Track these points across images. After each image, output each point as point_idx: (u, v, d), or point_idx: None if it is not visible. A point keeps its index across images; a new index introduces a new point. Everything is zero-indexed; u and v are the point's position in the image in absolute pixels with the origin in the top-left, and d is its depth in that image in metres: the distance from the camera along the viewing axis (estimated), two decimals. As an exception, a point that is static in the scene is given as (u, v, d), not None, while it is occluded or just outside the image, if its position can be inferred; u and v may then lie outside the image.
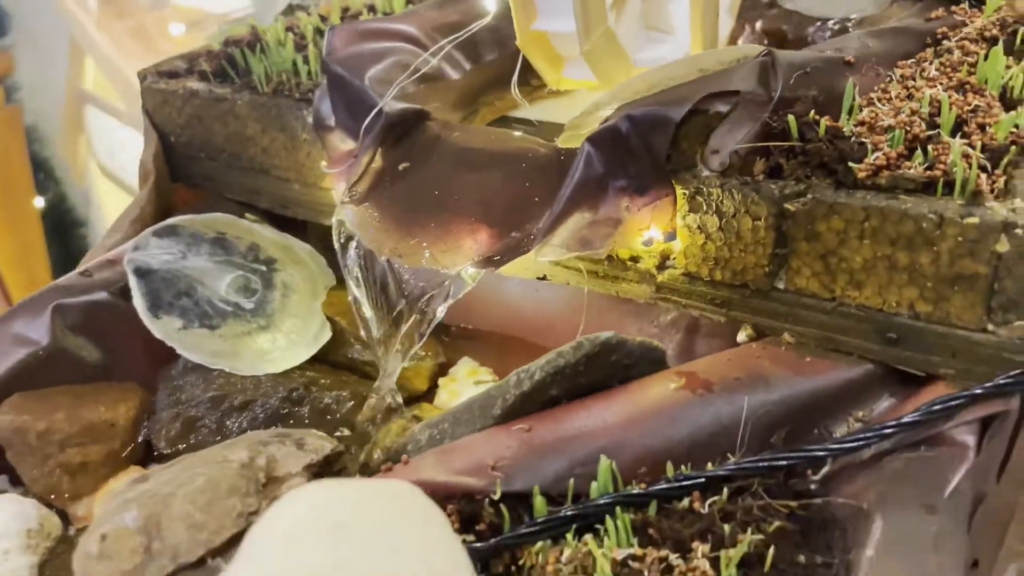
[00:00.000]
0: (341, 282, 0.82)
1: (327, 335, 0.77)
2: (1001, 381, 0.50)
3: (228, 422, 0.68)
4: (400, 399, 0.69)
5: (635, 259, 0.62)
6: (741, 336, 0.60)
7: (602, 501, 0.48)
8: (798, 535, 0.48)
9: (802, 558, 0.48)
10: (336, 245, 0.69)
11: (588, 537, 0.47)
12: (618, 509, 0.48)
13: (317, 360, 0.76)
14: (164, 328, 0.71)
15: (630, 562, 0.46)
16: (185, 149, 0.86)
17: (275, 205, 0.83)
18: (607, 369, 0.56)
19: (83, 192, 2.95)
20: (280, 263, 0.80)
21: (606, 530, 0.48)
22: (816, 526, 0.50)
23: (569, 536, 0.48)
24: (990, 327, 0.51)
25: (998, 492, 0.52)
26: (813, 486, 0.52)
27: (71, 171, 2.91)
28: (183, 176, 0.88)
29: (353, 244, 0.68)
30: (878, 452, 0.52)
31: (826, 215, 0.53)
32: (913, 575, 0.44)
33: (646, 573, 0.45)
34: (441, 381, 0.76)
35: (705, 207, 0.57)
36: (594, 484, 0.50)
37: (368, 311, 0.69)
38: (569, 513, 0.48)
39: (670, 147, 0.58)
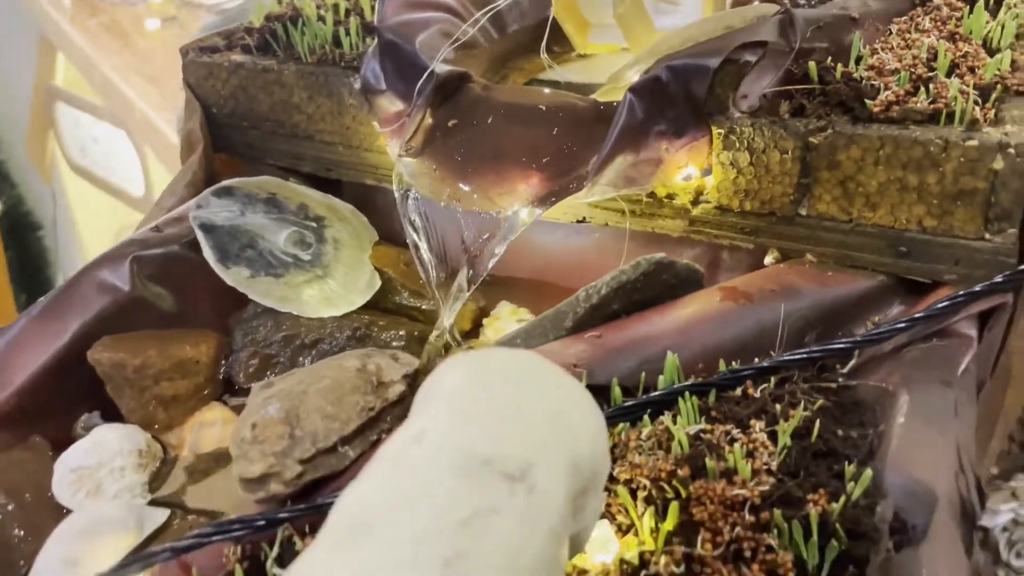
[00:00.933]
0: (382, 239, 0.89)
1: (377, 283, 0.83)
2: (998, 280, 0.59)
3: (300, 358, 0.75)
4: (458, 335, 0.76)
5: (671, 196, 0.70)
6: (768, 259, 0.68)
7: (675, 388, 0.56)
8: (837, 412, 0.57)
9: (840, 432, 0.56)
10: (396, 195, 0.75)
11: (663, 417, 0.55)
12: (686, 394, 0.56)
13: (369, 307, 0.82)
14: (234, 277, 0.77)
15: (701, 435, 0.54)
16: (228, 120, 0.92)
17: (319, 169, 0.89)
18: (658, 288, 0.64)
19: (49, 191, 2.93)
20: (328, 220, 0.86)
21: (677, 412, 0.56)
22: (849, 407, 0.58)
23: (645, 418, 0.56)
24: (987, 236, 0.60)
25: (989, 391, 0.61)
26: (841, 378, 0.61)
27: (38, 170, 2.89)
28: (224, 146, 0.94)
29: (412, 193, 0.75)
30: (897, 345, 0.60)
31: (845, 145, 0.62)
32: (940, 434, 0.53)
33: (716, 443, 0.53)
34: (485, 321, 0.83)
35: (737, 144, 0.66)
36: (661, 377, 0.58)
37: (427, 255, 0.76)
38: (649, 398, 0.56)
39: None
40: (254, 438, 0.50)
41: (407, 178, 0.75)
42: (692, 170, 0.68)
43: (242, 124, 0.91)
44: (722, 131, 0.66)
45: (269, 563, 0.50)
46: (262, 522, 0.50)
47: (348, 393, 0.53)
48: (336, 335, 0.76)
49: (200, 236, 0.78)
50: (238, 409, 0.72)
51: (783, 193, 0.66)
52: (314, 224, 0.85)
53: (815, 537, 0.48)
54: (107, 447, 0.63)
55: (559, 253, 0.86)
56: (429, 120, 0.76)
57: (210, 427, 0.70)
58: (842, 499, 0.49)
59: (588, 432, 0.40)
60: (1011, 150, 0.57)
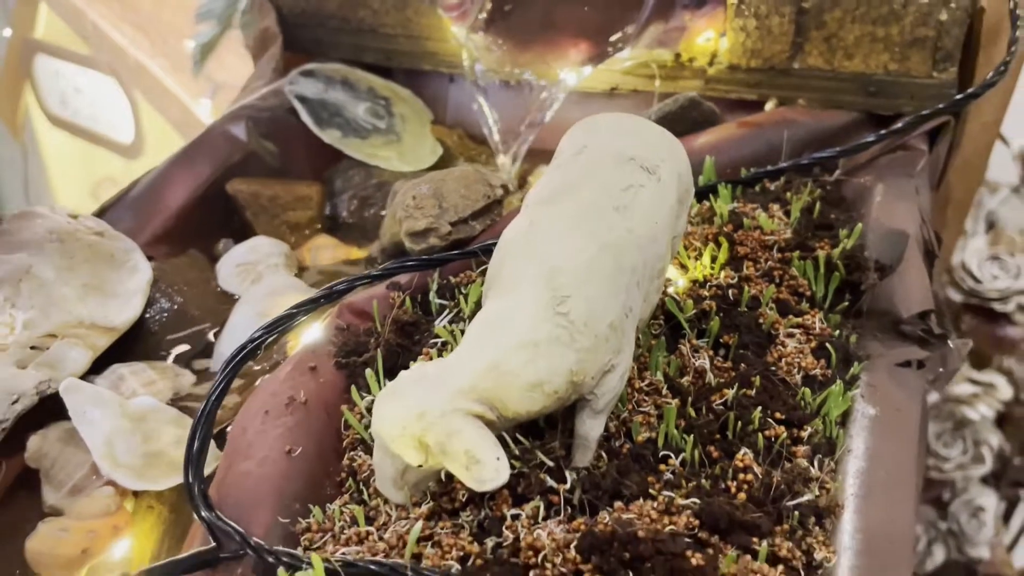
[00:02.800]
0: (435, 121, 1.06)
1: (439, 151, 1.00)
2: (940, 107, 0.80)
3: (388, 201, 0.91)
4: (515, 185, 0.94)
5: (691, 59, 0.89)
6: (769, 106, 0.88)
7: (713, 182, 0.75)
8: (830, 199, 0.76)
9: (833, 216, 0.76)
10: (466, 65, 0.92)
11: (707, 201, 0.74)
12: (719, 186, 0.75)
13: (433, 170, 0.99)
14: (330, 136, 0.93)
15: (736, 209, 0.73)
16: (296, 19, 1.07)
17: (380, 59, 1.05)
18: (688, 123, 0.83)
19: (19, 147, 2.97)
20: (392, 100, 1.02)
21: (715, 198, 0.74)
22: (837, 200, 0.78)
23: (693, 200, 0.74)
24: (935, 74, 0.81)
25: (949, 185, 0.82)
26: (829, 187, 0.80)
27: (8, 127, 2.92)
28: (290, 43, 1.08)
29: (478, 65, 0.92)
30: (870, 156, 0.80)
31: (830, 8, 0.81)
32: (907, 203, 0.73)
33: (747, 213, 0.72)
34: (530, 179, 1.01)
35: (746, 12, 0.85)
36: (700, 176, 0.77)
37: (491, 116, 0.93)
38: (697, 188, 0.74)
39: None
40: (416, 205, 0.67)
41: (475, 52, 0.91)
42: (710, 34, 0.86)
43: (310, 23, 1.06)
44: (734, 1, 0.85)
45: (432, 295, 0.66)
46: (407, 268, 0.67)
47: (474, 182, 0.70)
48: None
49: (297, 105, 0.94)
50: (341, 238, 0.88)
51: (781, 51, 0.85)
52: (382, 102, 1.01)
53: (822, 271, 0.67)
54: (262, 249, 0.78)
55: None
56: (489, 3, 0.93)
57: (323, 249, 0.86)
58: (840, 246, 0.69)
59: (685, 159, 0.58)
60: (952, 4, 0.78)
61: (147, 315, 0.72)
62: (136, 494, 0.59)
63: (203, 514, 0.51)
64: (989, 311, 1.53)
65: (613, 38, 0.87)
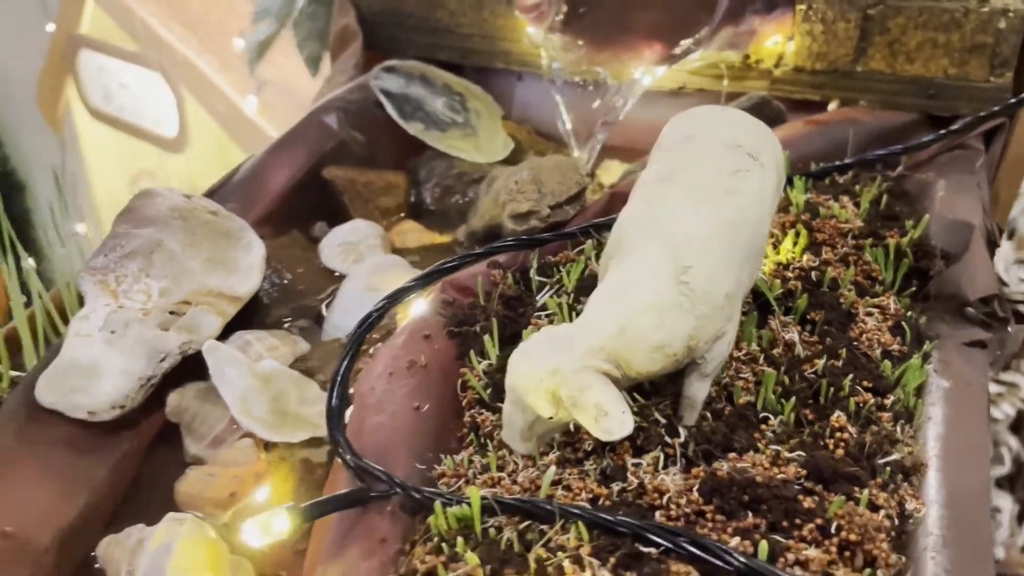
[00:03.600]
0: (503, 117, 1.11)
1: (511, 144, 1.05)
2: (996, 109, 0.85)
3: (469, 189, 0.96)
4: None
5: (758, 61, 0.94)
6: (832, 106, 0.93)
7: (787, 175, 0.80)
8: (896, 192, 0.82)
9: (898, 208, 0.81)
10: (544, 64, 0.98)
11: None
12: (795, 178, 0.80)
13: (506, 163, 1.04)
14: (414, 128, 0.98)
15: (810, 199, 0.78)
16: (375, 18, 1.13)
17: (455, 57, 1.10)
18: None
19: (58, 140, 3.03)
20: (466, 96, 1.08)
21: (791, 189, 0.80)
22: (901, 194, 0.83)
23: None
24: (991, 79, 0.86)
25: (997, 184, 0.87)
26: (892, 182, 0.86)
27: (49, 120, 2.99)
28: (369, 41, 1.14)
29: (555, 64, 0.98)
30: (929, 155, 0.86)
31: (893, 15, 0.87)
32: (969, 196, 0.78)
33: (821, 203, 0.77)
34: (598, 172, 1.06)
35: (814, 17, 0.90)
36: (775, 170, 0.82)
37: (565, 113, 0.99)
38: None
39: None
40: (518, 189, 0.72)
41: (552, 52, 0.97)
42: (778, 38, 0.92)
43: (389, 22, 1.12)
44: (803, 7, 0.90)
45: (532, 272, 0.72)
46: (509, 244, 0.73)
47: (568, 171, 0.76)
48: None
49: (382, 98, 0.99)
50: (425, 224, 0.94)
51: (845, 54, 0.90)
52: (457, 97, 1.07)
53: (892, 257, 0.73)
54: (361, 231, 0.84)
55: (649, 122, 1.09)
56: (566, 6, 0.98)
57: (409, 233, 0.91)
58: (908, 235, 0.74)
59: (779, 148, 0.64)
60: (1010, 14, 0.83)
61: (259, 289, 0.78)
62: (268, 448, 0.65)
63: (349, 459, 0.56)
64: (1016, 313, 1.58)
65: (686, 40, 0.92)
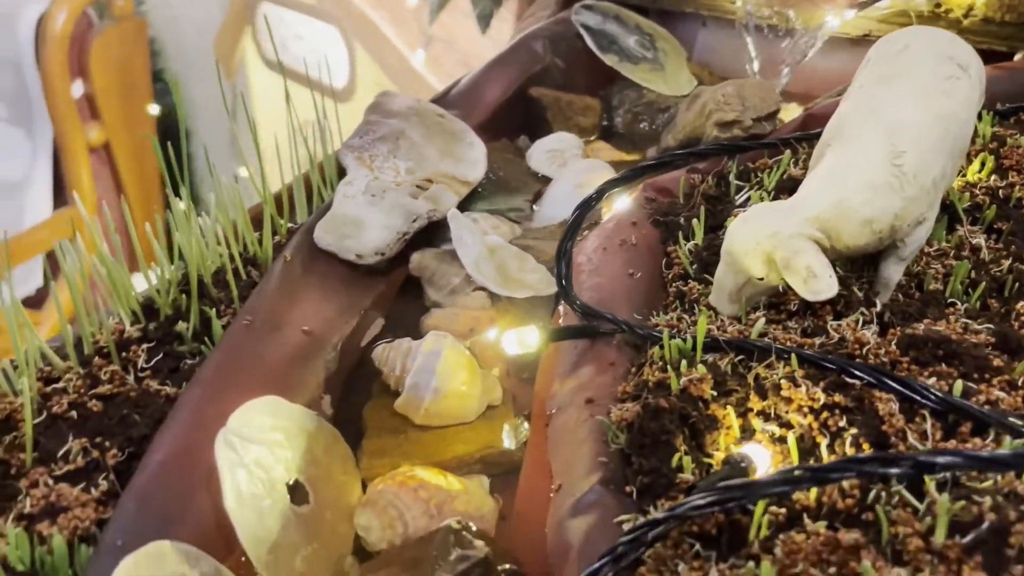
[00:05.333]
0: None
1: (695, 82, 1.13)
2: None
3: (655, 118, 1.05)
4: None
5: (948, 11, 0.99)
6: (1017, 57, 0.97)
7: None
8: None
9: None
10: (738, 5, 1.05)
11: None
12: (983, 112, 0.85)
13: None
14: (610, 60, 1.07)
15: (997, 132, 0.83)
16: (571, -38, 1.22)
17: (646, 1, 1.19)
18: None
19: (230, 88, 3.26)
20: (655, 37, 1.16)
21: (978, 122, 0.84)
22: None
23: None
24: None
25: None
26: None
27: (224, 68, 3.22)
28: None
29: (748, 6, 1.05)
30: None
31: (1093, -33, 0.90)
32: None
33: (1009, 135, 0.82)
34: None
35: (1010, -32, 0.94)
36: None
37: (754, 52, 1.06)
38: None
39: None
40: (724, 101, 0.80)
41: (745, -6, 1.04)
42: (971, -13, 0.96)
43: (584, -34, 1.21)
44: (999, -42, 0.94)
45: (732, 176, 0.80)
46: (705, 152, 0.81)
47: (767, 91, 0.83)
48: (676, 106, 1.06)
49: (583, 31, 1.09)
50: (614, 145, 1.03)
51: (1037, 6, 0.94)
52: (647, 37, 1.15)
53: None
54: (567, 141, 0.94)
55: (835, 72, 1.15)
56: (762, -46, 1.05)
57: (601, 151, 1.00)
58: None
59: (982, 65, 0.69)
60: None
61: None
62: (494, 303, 0.75)
63: (578, 304, 0.66)
64: None
65: (877, -13, 0.97)
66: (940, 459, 0.43)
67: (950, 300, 0.65)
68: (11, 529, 0.48)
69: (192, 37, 3.17)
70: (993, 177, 0.77)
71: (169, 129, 3.17)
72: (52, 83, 2.72)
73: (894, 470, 0.44)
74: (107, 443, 0.55)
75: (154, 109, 3.00)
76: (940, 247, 0.69)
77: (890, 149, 0.60)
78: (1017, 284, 0.65)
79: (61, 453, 0.54)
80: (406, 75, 2.32)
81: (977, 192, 0.75)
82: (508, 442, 0.63)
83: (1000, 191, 0.75)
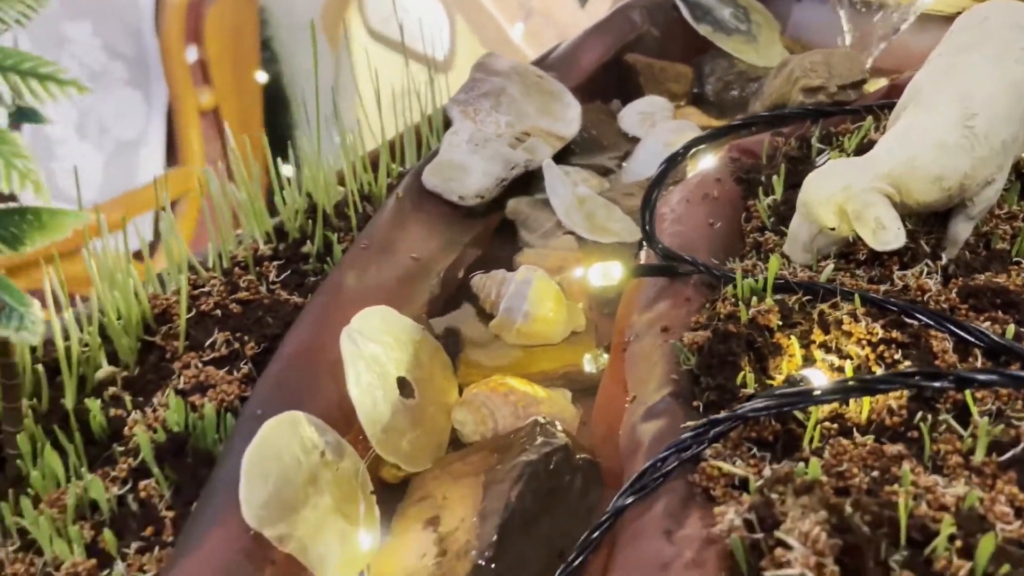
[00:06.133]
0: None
1: (787, 54, 1.17)
2: None
3: (745, 87, 1.09)
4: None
5: (1045, -11, 1.00)
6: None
7: None
8: None
9: None
10: (830, -16, 1.08)
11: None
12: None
13: (777, 71, 1.16)
14: (704, 29, 1.12)
15: None
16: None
17: (742, -25, 1.23)
18: None
19: (333, 57, 3.39)
20: (750, 10, 1.20)
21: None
22: None
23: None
24: None
25: None
26: None
27: (329, 39, 3.35)
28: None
29: (840, -18, 1.08)
30: None
31: None
32: None
33: None
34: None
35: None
36: None
37: (847, 26, 1.09)
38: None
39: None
40: (811, 68, 0.85)
41: (840, -30, 1.07)
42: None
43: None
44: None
45: (814, 140, 0.84)
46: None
47: (854, 60, 0.87)
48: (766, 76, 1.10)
49: (679, 2, 1.14)
50: (704, 111, 1.08)
51: None
52: (742, 11, 1.19)
53: None
54: (658, 104, 1.00)
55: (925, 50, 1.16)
56: (859, -70, 1.08)
57: (690, 117, 1.05)
58: None
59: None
60: None
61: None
62: (581, 246, 0.82)
63: (660, 247, 0.72)
64: None
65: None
66: (980, 376, 0.48)
67: (1016, 259, 0.68)
68: (171, 397, 0.57)
69: (300, 7, 3.31)
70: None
71: (275, 95, 3.32)
72: (169, 48, 2.89)
73: (937, 384, 0.49)
74: (245, 338, 0.64)
75: (262, 76, 3.14)
76: (1010, 210, 0.72)
77: (963, 112, 0.64)
78: (1084, 248, 0.68)
79: (208, 343, 0.64)
80: (505, 48, 2.39)
81: (1053, 162, 0.78)
82: (589, 367, 0.70)
83: (1077, 162, 0.77)
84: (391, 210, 0.77)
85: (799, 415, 0.54)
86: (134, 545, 0.51)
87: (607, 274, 0.68)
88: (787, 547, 0.43)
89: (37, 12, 0.48)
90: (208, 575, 0.47)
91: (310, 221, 0.76)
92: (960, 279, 0.65)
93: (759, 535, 0.45)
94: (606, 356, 0.71)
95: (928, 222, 0.71)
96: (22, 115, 0.45)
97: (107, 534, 0.51)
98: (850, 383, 0.50)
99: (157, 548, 0.51)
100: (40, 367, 0.59)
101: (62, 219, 0.48)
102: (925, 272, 0.66)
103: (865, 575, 0.44)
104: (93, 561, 0.50)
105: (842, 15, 1.09)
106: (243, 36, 3.22)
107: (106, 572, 0.50)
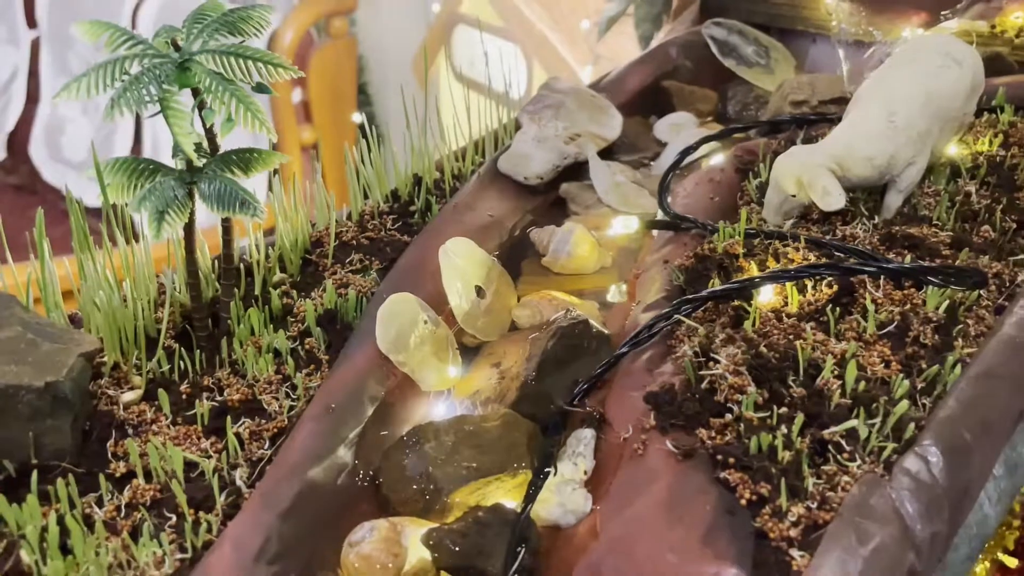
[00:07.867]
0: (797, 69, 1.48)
1: (798, 85, 1.42)
2: None
3: (761, 108, 1.34)
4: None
5: (1003, 31, 1.24)
6: (1060, 68, 1.20)
7: (1000, 104, 1.11)
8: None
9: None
10: (833, 24, 1.34)
11: (996, 113, 1.10)
12: (1005, 105, 1.10)
13: (791, 98, 1.41)
14: (730, 63, 1.39)
15: (1016, 122, 1.08)
16: (709, -11, 1.54)
17: (765, 20, 1.49)
18: (992, 70, 1.18)
19: (423, 97, 3.74)
20: (770, 48, 1.46)
21: (1000, 112, 1.10)
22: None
23: None
24: None
25: None
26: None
27: (419, 80, 3.71)
28: (704, 6, 1.56)
29: (842, 25, 1.33)
30: None
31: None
32: None
33: (1024, 124, 1.07)
34: (863, 112, 1.39)
35: (1053, -3, 1.18)
36: (994, 99, 1.12)
37: (844, 62, 1.34)
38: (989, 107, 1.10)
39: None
40: (798, 86, 1.10)
41: (841, 16, 1.33)
42: (1020, 13, 1.21)
43: (718, -8, 1.53)
44: (1045, -10, 1.19)
45: (798, 141, 1.09)
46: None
47: (835, 83, 1.12)
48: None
49: (709, 42, 1.41)
50: (724, 125, 1.34)
51: (1076, 27, 1.17)
52: (763, 49, 1.45)
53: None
54: (685, 117, 1.27)
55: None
56: (855, -15, 1.33)
57: (714, 128, 1.31)
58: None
59: (980, 64, 0.96)
60: None
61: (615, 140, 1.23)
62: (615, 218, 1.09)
63: (669, 209, 0.99)
64: None
65: (945, 11, 1.24)
66: (868, 267, 0.74)
67: (935, 222, 0.92)
68: (328, 285, 0.86)
69: (393, 55, 3.69)
70: (999, 150, 1.03)
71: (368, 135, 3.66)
72: (277, 88, 3.28)
73: (837, 271, 0.74)
74: (372, 259, 0.93)
75: (357, 117, 3.50)
76: (935, 188, 0.96)
77: (888, 110, 0.89)
78: (987, 214, 0.92)
79: (347, 260, 0.93)
80: (574, 87, 2.69)
81: (981, 159, 1.01)
82: (612, 293, 0.96)
83: (999, 158, 1.01)
84: (475, 183, 1.06)
85: (748, 307, 0.79)
86: (303, 371, 0.80)
87: (627, 224, 0.95)
88: (716, 361, 0.69)
89: (264, 30, 0.78)
90: (354, 374, 0.75)
91: (417, 188, 1.05)
92: (883, 230, 0.89)
93: (702, 358, 0.71)
94: (624, 287, 0.98)
95: (872, 196, 0.95)
96: (260, 88, 0.75)
97: (289, 361, 0.79)
98: (778, 272, 0.76)
99: (318, 375, 0.79)
100: (242, 266, 0.88)
101: (270, 157, 0.78)
102: (860, 227, 0.91)
103: (770, 388, 0.69)
104: (279, 375, 0.79)
105: (840, 52, 1.34)
106: (342, 80, 3.61)
107: (288, 384, 0.78)
